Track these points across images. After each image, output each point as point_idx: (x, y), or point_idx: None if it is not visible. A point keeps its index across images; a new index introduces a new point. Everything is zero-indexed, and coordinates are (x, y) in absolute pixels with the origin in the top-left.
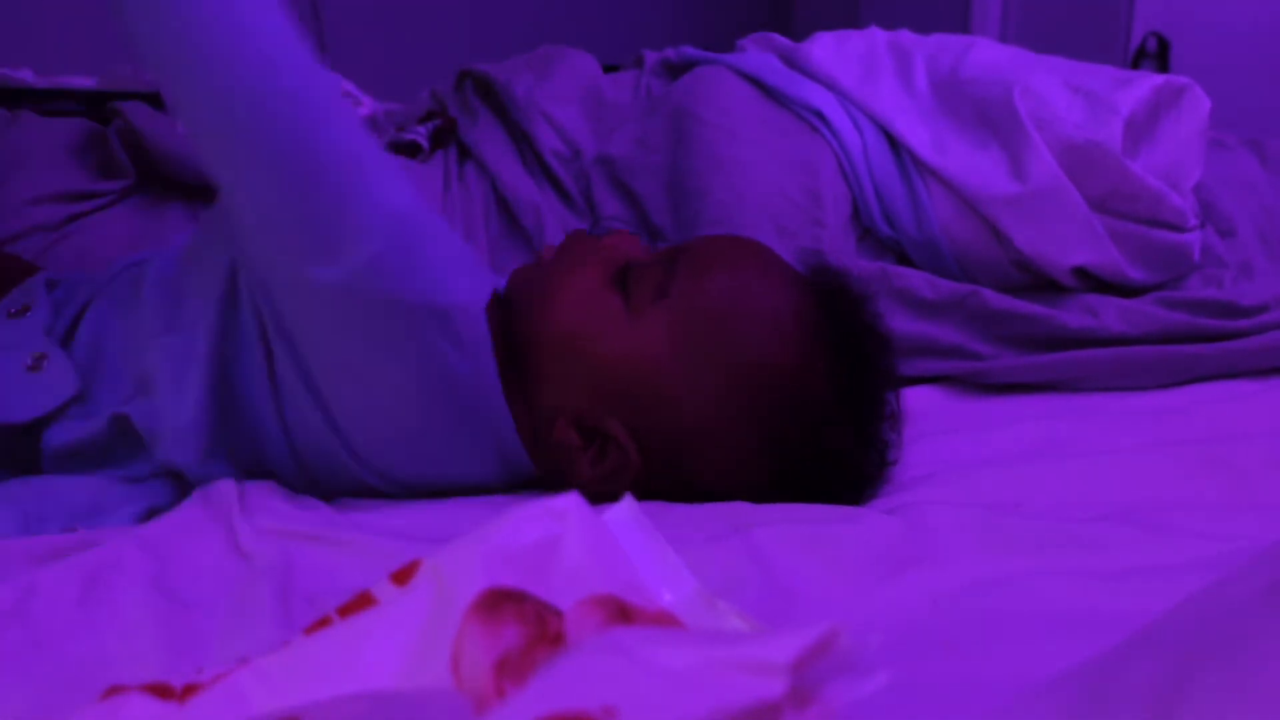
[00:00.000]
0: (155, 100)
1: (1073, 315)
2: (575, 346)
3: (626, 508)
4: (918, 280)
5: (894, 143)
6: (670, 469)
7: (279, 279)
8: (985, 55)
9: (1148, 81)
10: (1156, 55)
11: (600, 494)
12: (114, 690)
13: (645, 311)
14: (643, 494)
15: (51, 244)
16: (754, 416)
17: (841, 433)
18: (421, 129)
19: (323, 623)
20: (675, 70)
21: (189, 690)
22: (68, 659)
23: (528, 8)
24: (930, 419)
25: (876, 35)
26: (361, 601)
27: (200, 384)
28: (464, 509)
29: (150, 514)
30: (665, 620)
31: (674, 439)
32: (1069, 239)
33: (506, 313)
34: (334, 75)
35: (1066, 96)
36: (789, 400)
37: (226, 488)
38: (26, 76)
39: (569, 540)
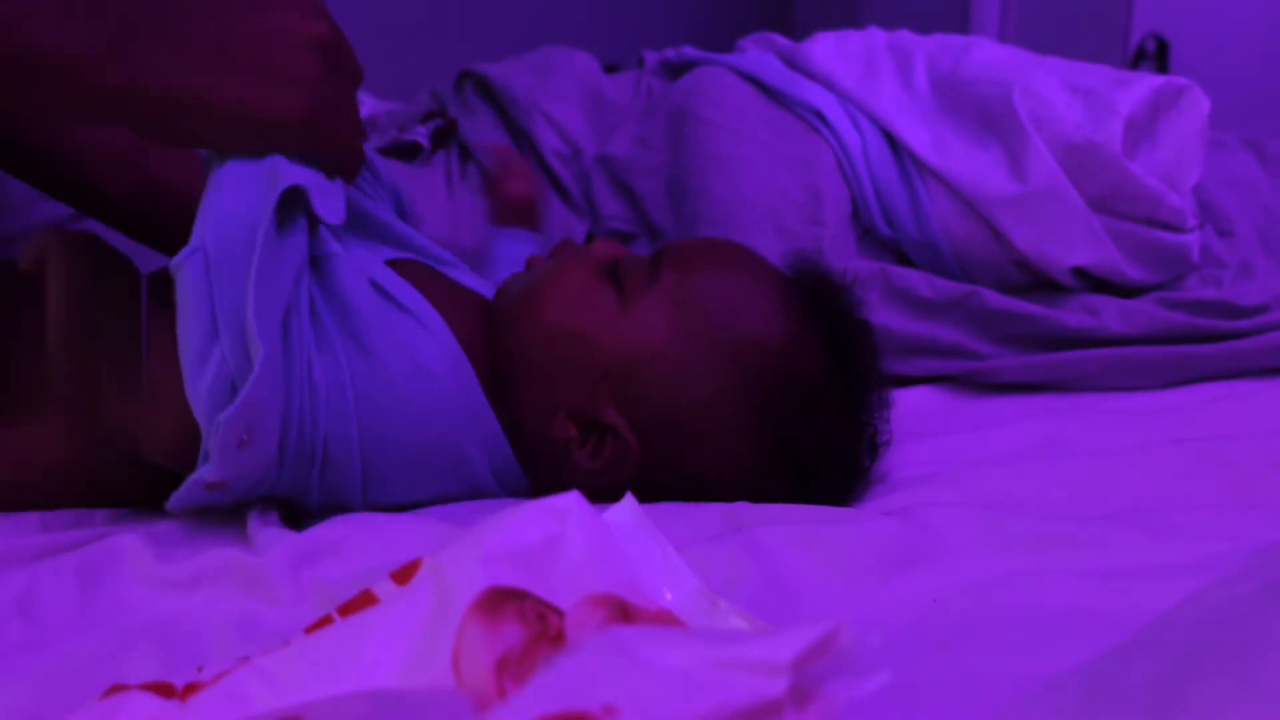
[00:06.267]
0: None
1: (1073, 315)
2: (569, 341)
3: (627, 507)
4: (918, 280)
5: (894, 143)
6: (669, 456)
7: None
8: (985, 55)
9: (1147, 82)
10: (1156, 56)
11: (601, 491)
12: (115, 689)
13: (638, 300)
14: (642, 486)
15: None
16: (749, 394)
17: (834, 407)
18: (422, 129)
19: (323, 621)
20: (675, 70)
21: (190, 689)
22: (68, 658)
23: (528, 8)
24: (930, 419)
25: (876, 35)
26: (362, 600)
27: None
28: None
29: None
30: (666, 619)
31: (672, 424)
32: (1069, 239)
33: (490, 323)
34: None
35: (1066, 96)
36: (782, 376)
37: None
38: None
39: (570, 539)
